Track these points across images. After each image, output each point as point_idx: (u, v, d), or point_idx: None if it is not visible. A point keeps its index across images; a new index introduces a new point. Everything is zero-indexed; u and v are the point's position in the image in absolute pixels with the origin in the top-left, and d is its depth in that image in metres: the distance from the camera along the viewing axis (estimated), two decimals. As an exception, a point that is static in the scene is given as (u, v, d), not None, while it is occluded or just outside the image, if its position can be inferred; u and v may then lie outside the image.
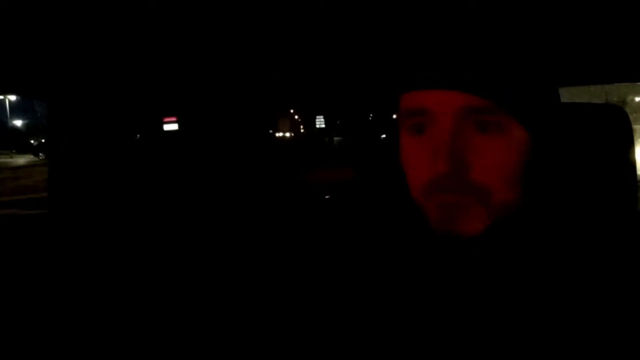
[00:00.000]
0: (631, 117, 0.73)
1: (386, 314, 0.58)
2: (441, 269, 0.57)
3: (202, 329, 1.39)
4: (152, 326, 1.36)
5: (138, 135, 1.89)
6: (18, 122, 27.90)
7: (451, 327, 0.55)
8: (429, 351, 0.55)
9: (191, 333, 1.39)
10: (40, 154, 17.32)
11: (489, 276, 0.55)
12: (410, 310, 0.57)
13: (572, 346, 0.50)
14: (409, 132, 0.55)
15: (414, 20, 0.84)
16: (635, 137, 0.73)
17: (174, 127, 1.84)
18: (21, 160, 17.44)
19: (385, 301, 0.59)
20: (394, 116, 0.62)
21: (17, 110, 27.48)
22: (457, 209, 0.51)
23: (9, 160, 17.98)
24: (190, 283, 1.46)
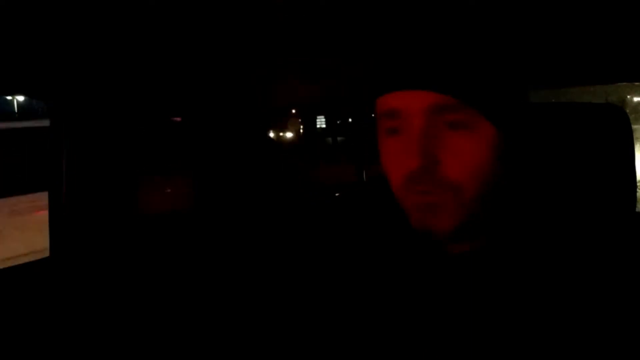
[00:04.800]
0: (631, 117, 0.73)
1: (377, 312, 0.60)
2: (425, 267, 0.59)
3: (204, 328, 1.40)
4: (154, 326, 1.36)
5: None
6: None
7: (436, 326, 0.55)
8: (421, 349, 0.55)
9: (193, 333, 1.39)
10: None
11: (471, 274, 0.56)
12: (398, 309, 0.59)
13: (568, 347, 0.50)
14: (385, 134, 0.57)
15: (382, 23, 0.86)
16: (635, 137, 0.72)
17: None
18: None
19: (378, 300, 0.61)
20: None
21: (21, 110, 27.48)
22: (430, 208, 0.54)
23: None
24: (192, 283, 1.47)
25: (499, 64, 0.54)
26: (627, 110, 0.76)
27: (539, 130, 0.68)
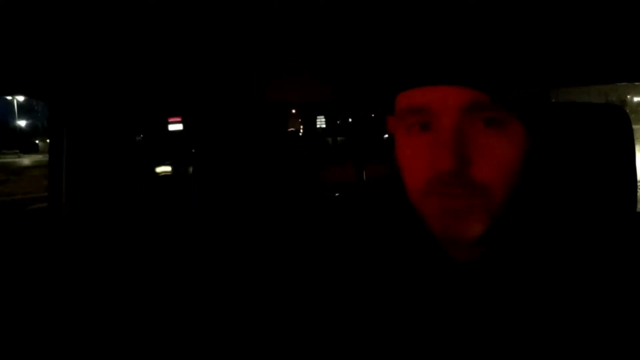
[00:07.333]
0: (631, 117, 0.72)
1: (384, 317, 0.59)
2: (438, 272, 0.57)
3: (203, 328, 1.40)
4: (153, 326, 1.36)
5: (141, 135, 1.90)
6: (22, 122, 27.98)
7: (449, 330, 0.55)
8: (427, 353, 0.55)
9: (192, 332, 1.39)
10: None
11: (487, 278, 0.55)
12: (408, 314, 0.58)
13: (572, 347, 0.50)
14: (409, 132, 0.53)
15: (413, 17, 0.85)
16: (635, 137, 0.72)
17: (179, 127, 1.84)
18: (27, 160, 17.42)
19: (384, 304, 0.59)
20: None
21: (21, 110, 27.54)
22: (458, 213, 0.50)
23: (17, 160, 17.98)
24: (191, 283, 1.47)
25: (529, 64, 0.53)
26: (627, 110, 0.76)
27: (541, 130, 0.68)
